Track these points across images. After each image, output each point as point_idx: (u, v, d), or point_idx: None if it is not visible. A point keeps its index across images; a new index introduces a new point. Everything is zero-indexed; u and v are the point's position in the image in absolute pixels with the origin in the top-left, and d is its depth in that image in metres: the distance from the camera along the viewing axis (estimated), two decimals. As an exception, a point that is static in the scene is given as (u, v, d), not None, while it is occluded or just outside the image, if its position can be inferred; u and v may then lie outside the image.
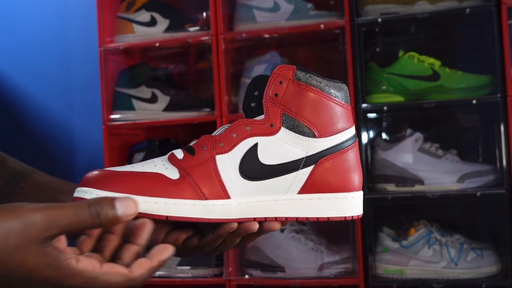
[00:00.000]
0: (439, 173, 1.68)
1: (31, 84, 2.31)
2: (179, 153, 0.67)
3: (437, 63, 1.71)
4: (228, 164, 0.66)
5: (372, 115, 1.76)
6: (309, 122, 0.66)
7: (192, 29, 1.85)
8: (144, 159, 1.89)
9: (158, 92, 1.88)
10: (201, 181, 0.65)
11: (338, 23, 1.71)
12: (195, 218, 0.65)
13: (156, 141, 1.93)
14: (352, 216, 0.68)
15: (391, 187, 1.70)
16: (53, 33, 2.28)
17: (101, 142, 1.88)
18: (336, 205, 0.67)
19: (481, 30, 1.76)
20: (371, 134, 1.78)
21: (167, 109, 1.87)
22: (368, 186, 1.70)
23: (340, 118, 0.68)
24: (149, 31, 1.87)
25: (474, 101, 1.65)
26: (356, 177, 0.69)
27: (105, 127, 1.88)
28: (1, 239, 0.52)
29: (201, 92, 1.97)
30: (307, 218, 0.67)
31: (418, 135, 1.72)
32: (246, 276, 1.77)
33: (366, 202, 1.67)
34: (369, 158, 1.73)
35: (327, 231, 1.84)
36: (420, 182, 1.68)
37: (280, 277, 1.74)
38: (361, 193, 0.70)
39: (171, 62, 2.08)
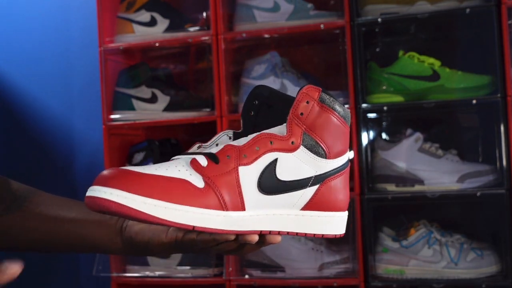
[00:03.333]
0: (439, 173, 1.68)
1: (31, 84, 2.31)
2: (202, 160, 0.67)
3: (437, 63, 1.71)
4: (249, 176, 0.67)
5: (372, 115, 1.76)
6: (325, 143, 0.69)
7: (192, 29, 1.85)
8: (144, 159, 1.89)
9: (158, 92, 1.88)
10: (224, 191, 0.65)
11: (338, 23, 1.71)
12: (217, 229, 0.65)
13: (156, 141, 1.93)
14: (341, 235, 0.72)
15: (391, 187, 1.70)
16: (53, 33, 2.28)
17: (101, 142, 1.88)
18: (331, 223, 0.71)
19: (481, 30, 1.76)
20: (371, 134, 1.78)
21: (167, 109, 1.87)
22: (368, 186, 1.69)
23: (346, 142, 0.71)
24: (149, 31, 1.87)
25: (474, 101, 1.65)
26: (348, 198, 0.73)
27: (105, 127, 1.88)
28: None
29: (201, 92, 1.97)
30: (305, 234, 0.70)
31: (418, 135, 1.72)
32: (246, 276, 1.77)
33: (366, 202, 1.68)
34: (369, 158, 1.73)
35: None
36: (420, 182, 1.68)
37: (280, 277, 1.74)
38: (347, 212, 0.74)
39: (171, 62, 2.08)
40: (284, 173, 0.68)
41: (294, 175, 0.68)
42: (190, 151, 0.71)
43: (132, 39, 1.88)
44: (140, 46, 1.89)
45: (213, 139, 0.71)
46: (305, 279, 1.72)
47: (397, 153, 1.72)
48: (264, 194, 0.67)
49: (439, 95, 1.69)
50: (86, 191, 0.63)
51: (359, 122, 1.69)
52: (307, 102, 0.69)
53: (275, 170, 0.67)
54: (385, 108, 1.71)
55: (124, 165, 1.92)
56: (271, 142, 0.68)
